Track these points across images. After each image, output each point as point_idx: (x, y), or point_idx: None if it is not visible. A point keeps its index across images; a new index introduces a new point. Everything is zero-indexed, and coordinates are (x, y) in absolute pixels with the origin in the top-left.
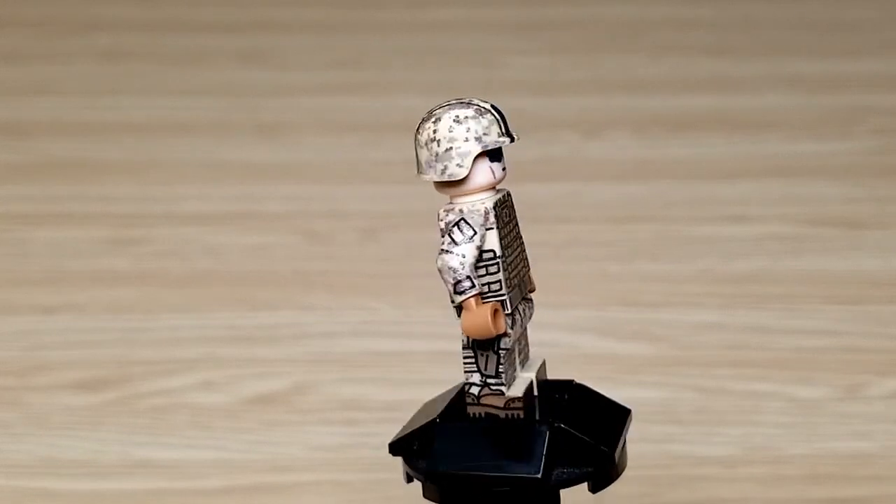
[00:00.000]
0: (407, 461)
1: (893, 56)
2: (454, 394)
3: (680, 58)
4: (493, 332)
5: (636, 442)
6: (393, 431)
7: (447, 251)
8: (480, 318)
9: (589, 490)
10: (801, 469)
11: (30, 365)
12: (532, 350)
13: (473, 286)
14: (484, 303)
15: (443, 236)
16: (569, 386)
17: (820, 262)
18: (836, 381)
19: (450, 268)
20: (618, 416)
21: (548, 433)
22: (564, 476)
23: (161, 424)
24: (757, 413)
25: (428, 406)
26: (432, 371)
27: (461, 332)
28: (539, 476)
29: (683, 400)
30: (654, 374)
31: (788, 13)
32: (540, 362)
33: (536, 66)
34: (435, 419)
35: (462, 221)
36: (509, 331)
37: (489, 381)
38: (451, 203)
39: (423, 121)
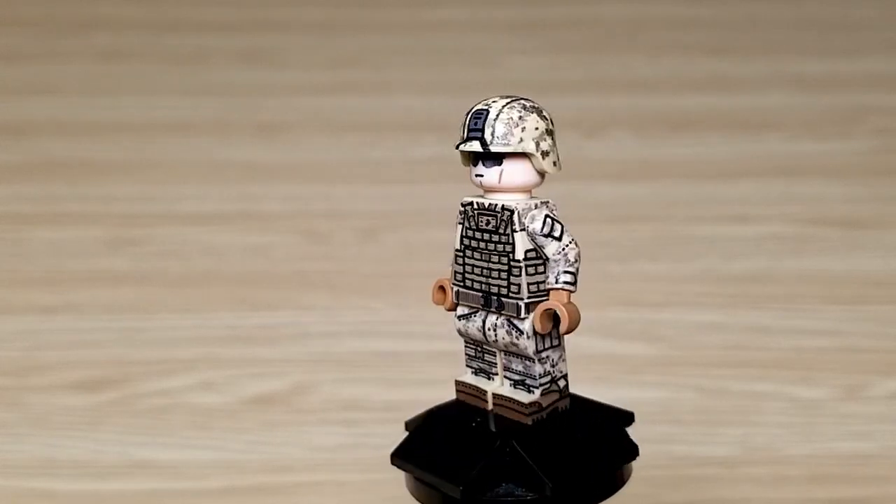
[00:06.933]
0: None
1: (894, 56)
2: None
3: (680, 58)
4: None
5: (636, 442)
6: (392, 432)
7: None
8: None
9: None
10: (802, 469)
11: (29, 365)
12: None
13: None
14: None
15: (557, 225)
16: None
17: (820, 262)
18: (836, 381)
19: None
20: (606, 437)
21: (499, 448)
22: (498, 495)
23: (160, 425)
24: (757, 413)
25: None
26: (432, 371)
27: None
28: (460, 488)
29: (683, 400)
30: (654, 374)
31: (788, 13)
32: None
33: (536, 66)
34: (430, 410)
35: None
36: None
37: (555, 374)
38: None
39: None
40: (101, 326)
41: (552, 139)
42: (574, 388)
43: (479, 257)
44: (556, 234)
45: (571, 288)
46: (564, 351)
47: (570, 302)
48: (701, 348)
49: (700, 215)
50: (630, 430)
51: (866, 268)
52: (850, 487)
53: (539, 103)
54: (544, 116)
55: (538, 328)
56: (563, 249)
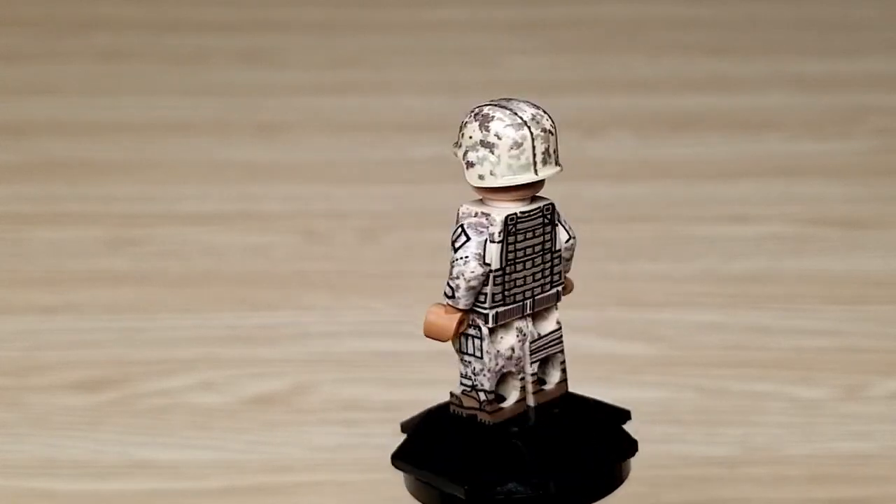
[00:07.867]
0: (400, 447)
1: (894, 56)
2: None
3: (680, 58)
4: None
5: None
6: (393, 432)
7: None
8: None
9: None
10: (802, 469)
11: (29, 365)
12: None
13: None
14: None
15: (462, 237)
16: (563, 399)
17: (820, 262)
18: (837, 381)
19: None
20: (605, 434)
21: (507, 445)
22: (508, 490)
23: (160, 425)
24: (757, 413)
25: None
26: (432, 371)
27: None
28: (465, 487)
29: (683, 400)
30: (654, 374)
31: (789, 12)
32: (559, 377)
33: (536, 66)
34: (428, 410)
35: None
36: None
37: (475, 384)
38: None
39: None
40: (101, 326)
41: (491, 151)
42: (574, 388)
43: None
44: (456, 245)
45: (446, 299)
46: (488, 369)
47: (448, 313)
48: (701, 348)
49: (700, 215)
50: (630, 431)
51: (866, 268)
52: (850, 487)
53: (502, 113)
54: (486, 127)
55: None
56: (453, 262)
